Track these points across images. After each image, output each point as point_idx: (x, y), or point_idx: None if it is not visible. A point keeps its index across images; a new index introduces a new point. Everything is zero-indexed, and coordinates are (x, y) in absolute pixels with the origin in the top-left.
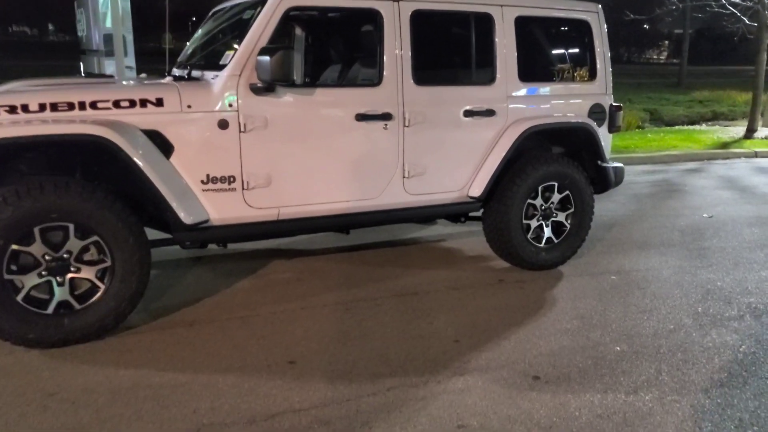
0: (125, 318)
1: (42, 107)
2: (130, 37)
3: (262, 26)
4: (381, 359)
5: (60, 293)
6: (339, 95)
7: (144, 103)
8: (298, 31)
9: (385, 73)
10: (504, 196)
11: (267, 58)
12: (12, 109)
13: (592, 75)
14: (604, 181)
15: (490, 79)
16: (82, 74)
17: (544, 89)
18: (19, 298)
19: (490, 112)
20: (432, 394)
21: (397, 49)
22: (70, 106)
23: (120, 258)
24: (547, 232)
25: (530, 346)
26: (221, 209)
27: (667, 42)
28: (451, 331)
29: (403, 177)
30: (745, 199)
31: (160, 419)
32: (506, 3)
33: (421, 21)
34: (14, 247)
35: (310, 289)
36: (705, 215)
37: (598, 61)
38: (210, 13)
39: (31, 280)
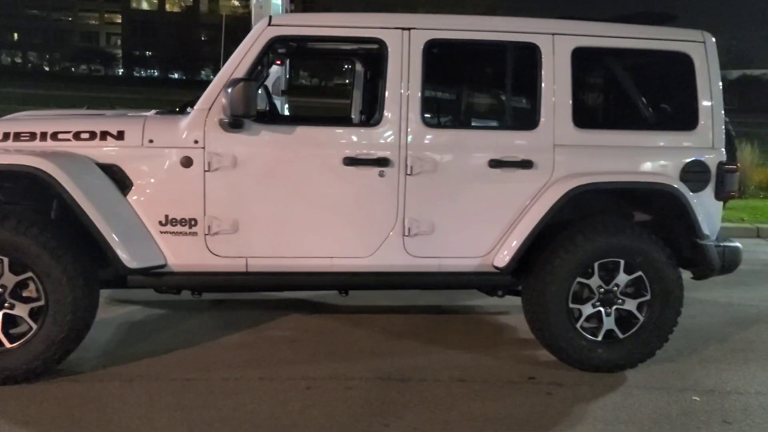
0: (56, 363)
1: (6, 136)
2: None
3: (240, 57)
4: None
5: None
6: (324, 135)
7: (104, 135)
8: (281, 63)
9: (385, 112)
10: (542, 270)
11: (230, 90)
12: None
13: (691, 123)
14: (703, 263)
15: (529, 124)
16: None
17: (613, 139)
18: None
19: (526, 164)
20: None
21: (402, 83)
22: (32, 137)
23: (53, 299)
24: (608, 323)
25: None
26: (180, 254)
27: None
28: None
29: (404, 235)
30: None
31: None
32: (560, 31)
33: (436, 53)
34: None
35: (289, 354)
36: None
37: (700, 104)
38: None
39: None
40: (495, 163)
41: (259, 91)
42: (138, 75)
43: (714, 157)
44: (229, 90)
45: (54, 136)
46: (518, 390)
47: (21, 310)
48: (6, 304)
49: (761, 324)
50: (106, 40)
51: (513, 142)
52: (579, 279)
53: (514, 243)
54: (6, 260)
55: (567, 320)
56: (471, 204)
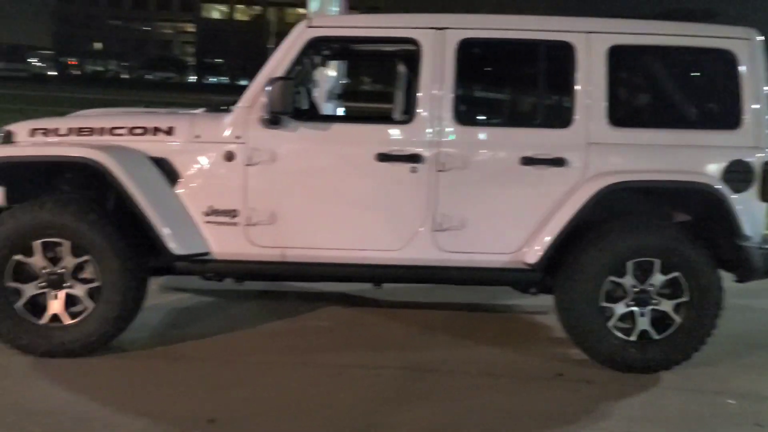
0: (109, 340)
1: (70, 131)
2: None
3: (280, 57)
4: None
5: (55, 306)
6: (358, 132)
7: (156, 131)
8: (321, 62)
9: (418, 109)
10: (573, 268)
11: (269, 89)
12: (45, 132)
13: (734, 122)
14: (744, 265)
15: (563, 122)
16: None
17: (650, 137)
18: (18, 305)
19: (559, 161)
20: None
21: (435, 82)
22: (92, 131)
23: (108, 280)
24: (643, 323)
25: None
26: (222, 243)
27: None
28: (423, 424)
29: (434, 230)
30: None
31: None
32: (596, 30)
33: (470, 52)
34: (17, 258)
35: (324, 343)
36: None
37: (744, 103)
38: None
39: (30, 290)
40: (527, 161)
41: (301, 91)
42: (208, 82)
43: (759, 157)
44: (269, 88)
45: (111, 131)
46: (544, 386)
47: (80, 290)
48: (67, 284)
49: None
50: (179, 48)
51: (545, 140)
52: (611, 278)
53: (546, 239)
54: (68, 244)
55: (598, 318)
56: (502, 200)
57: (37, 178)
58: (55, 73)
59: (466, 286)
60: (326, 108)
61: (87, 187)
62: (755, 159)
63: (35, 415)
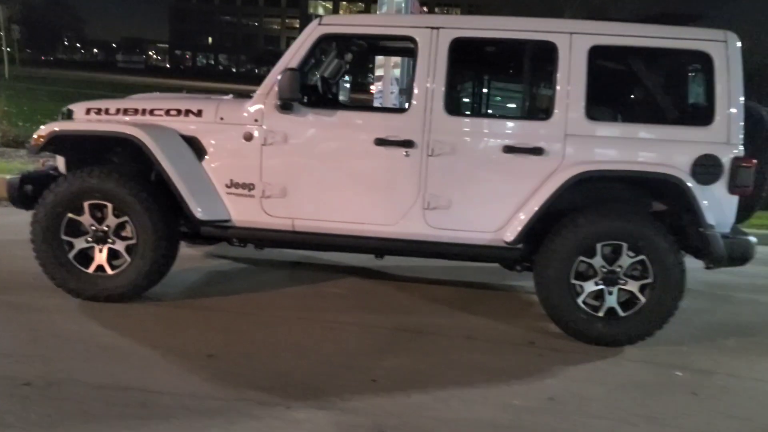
0: (144, 290)
1: (118, 111)
2: None
3: (295, 50)
4: (283, 376)
5: (100, 258)
6: (359, 118)
7: (187, 113)
8: (331, 55)
9: (413, 100)
10: (546, 247)
11: (279, 78)
12: (98, 111)
13: (707, 119)
14: (708, 252)
15: (544, 115)
16: None
17: (624, 131)
18: (70, 256)
19: (537, 150)
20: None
21: (429, 76)
22: (136, 112)
23: (141, 239)
24: (610, 300)
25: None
26: (241, 212)
27: None
28: (398, 371)
29: (424, 208)
30: None
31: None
32: (578, 30)
33: (461, 49)
34: (70, 215)
35: (333, 305)
36: None
37: (717, 101)
38: None
39: (80, 243)
40: (509, 149)
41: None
42: None
43: (728, 152)
44: (279, 78)
45: (151, 112)
46: (515, 350)
47: (120, 246)
48: (110, 240)
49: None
50: (285, 43)
51: (526, 131)
52: (582, 258)
53: (521, 219)
54: (110, 206)
55: (568, 294)
56: (485, 184)
57: (93, 151)
58: (167, 66)
59: (454, 260)
60: (341, 96)
61: (134, 160)
62: (725, 154)
63: (70, 342)
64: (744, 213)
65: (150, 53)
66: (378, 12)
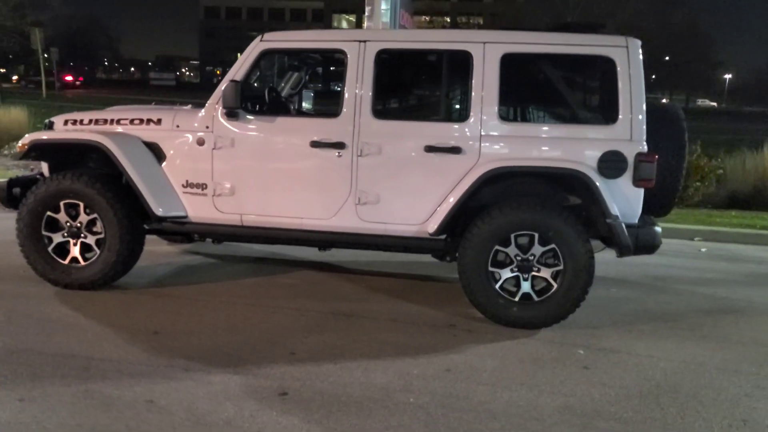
0: (112, 280)
1: (90, 121)
2: None
3: (240, 63)
4: (214, 349)
5: (74, 250)
6: (296, 123)
7: (148, 121)
8: (271, 67)
9: (343, 106)
10: (464, 237)
11: (223, 88)
12: (75, 122)
13: (611, 118)
14: (613, 241)
15: (461, 117)
16: None
17: (535, 131)
18: (50, 249)
19: (455, 150)
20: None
21: (357, 84)
22: (105, 122)
23: (109, 233)
24: (525, 286)
25: (346, 376)
26: (196, 209)
27: None
28: (317, 346)
29: (356, 204)
30: None
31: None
32: (491, 40)
33: (386, 59)
34: (49, 213)
35: (281, 293)
36: None
37: (620, 101)
38: None
39: (57, 238)
40: (430, 149)
41: (263, 90)
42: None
43: (632, 149)
44: (222, 88)
45: (118, 121)
46: (433, 331)
47: (91, 240)
48: (82, 235)
49: (733, 315)
50: None
51: (445, 132)
52: (498, 247)
53: (441, 212)
54: (82, 204)
55: (486, 281)
56: (409, 181)
57: (72, 157)
58: (198, 81)
59: (387, 252)
60: (287, 104)
61: (106, 165)
62: (629, 150)
63: (40, 321)
64: (663, 208)
65: (183, 70)
66: (365, 25)
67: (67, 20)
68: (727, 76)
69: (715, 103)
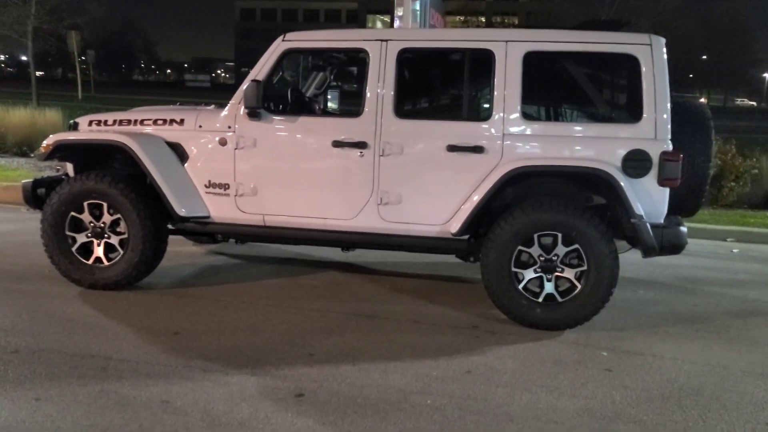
0: (136, 280)
1: (115, 122)
2: None
3: (262, 63)
4: (233, 349)
5: (98, 251)
6: (318, 123)
7: (172, 122)
8: (294, 67)
9: (365, 106)
10: (487, 237)
11: (244, 88)
12: (99, 123)
13: (636, 116)
14: (638, 241)
15: (484, 116)
16: None
17: (558, 130)
18: (73, 249)
19: (478, 149)
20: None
21: (379, 83)
22: (129, 122)
23: (132, 233)
24: (549, 287)
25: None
26: (218, 209)
27: None
28: (337, 348)
29: (378, 204)
30: None
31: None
32: (513, 38)
33: (407, 58)
34: (72, 214)
35: (304, 294)
36: None
37: (645, 99)
38: None
39: (81, 238)
40: (452, 148)
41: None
42: None
43: (656, 147)
44: (244, 88)
45: (142, 122)
46: (455, 332)
47: (114, 240)
48: (106, 235)
49: (763, 317)
50: None
51: (468, 132)
52: (521, 247)
53: (464, 212)
54: (105, 204)
55: (509, 281)
56: (431, 180)
57: (97, 158)
58: (233, 83)
59: (411, 252)
60: (309, 104)
61: (131, 166)
62: (653, 149)
63: (61, 321)
64: (690, 207)
65: (219, 71)
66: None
67: (104, 23)
68: (767, 75)
69: (754, 102)
